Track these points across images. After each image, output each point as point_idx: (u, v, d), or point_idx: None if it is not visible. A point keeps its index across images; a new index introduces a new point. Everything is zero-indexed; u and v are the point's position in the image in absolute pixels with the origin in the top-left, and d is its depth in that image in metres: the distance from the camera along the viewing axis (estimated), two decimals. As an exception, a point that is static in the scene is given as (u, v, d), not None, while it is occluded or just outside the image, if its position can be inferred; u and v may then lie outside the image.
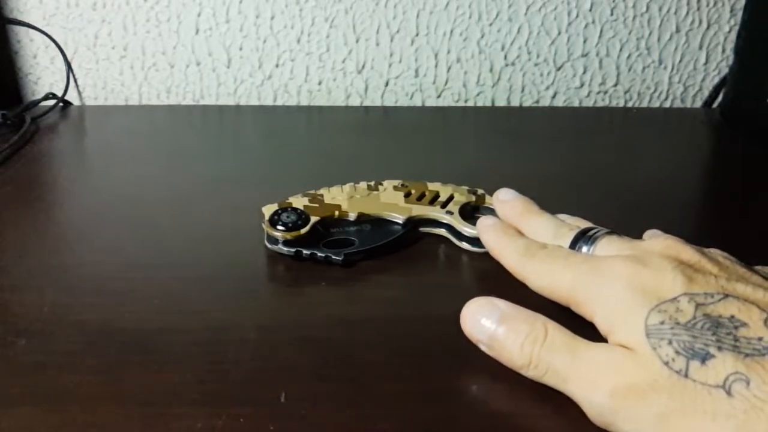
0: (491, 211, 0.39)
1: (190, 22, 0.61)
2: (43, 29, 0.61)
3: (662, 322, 0.23)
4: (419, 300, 0.33)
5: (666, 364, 0.22)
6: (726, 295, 0.23)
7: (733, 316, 0.22)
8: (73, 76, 0.63)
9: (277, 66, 0.63)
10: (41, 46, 0.62)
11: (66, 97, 0.62)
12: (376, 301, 0.32)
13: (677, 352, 0.22)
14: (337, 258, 0.34)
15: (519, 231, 0.33)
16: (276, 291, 0.34)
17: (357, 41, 0.62)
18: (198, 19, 0.61)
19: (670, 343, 0.22)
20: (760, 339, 0.22)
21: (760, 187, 0.46)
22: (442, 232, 0.38)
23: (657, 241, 0.27)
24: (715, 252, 0.27)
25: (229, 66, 0.63)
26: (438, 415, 0.25)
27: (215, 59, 0.62)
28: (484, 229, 0.34)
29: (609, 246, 0.28)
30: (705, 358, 0.21)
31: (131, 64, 0.63)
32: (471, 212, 0.39)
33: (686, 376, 0.21)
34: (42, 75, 0.63)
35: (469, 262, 0.36)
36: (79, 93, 0.64)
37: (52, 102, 0.60)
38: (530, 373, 0.26)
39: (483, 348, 0.27)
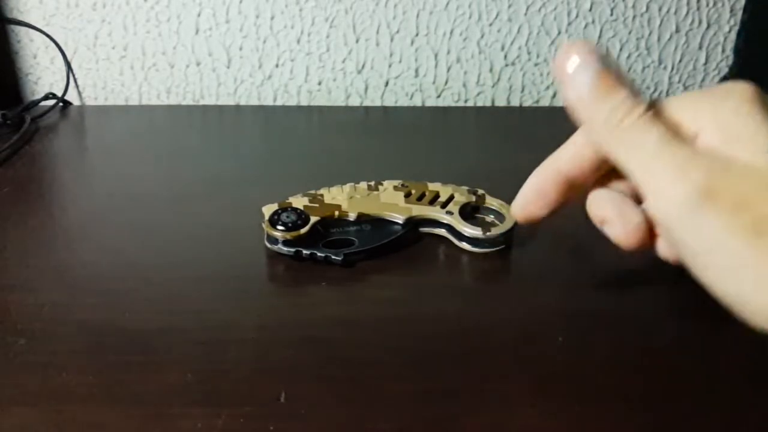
0: (491, 211, 0.39)
1: (190, 22, 0.61)
2: (43, 29, 0.61)
3: None
4: (419, 300, 0.33)
5: None
6: None
7: None
8: (73, 76, 0.63)
9: (277, 66, 0.63)
10: (41, 46, 0.62)
11: (66, 97, 0.62)
12: (376, 301, 0.32)
13: None
14: (337, 258, 0.34)
15: None
16: (276, 291, 0.34)
17: (357, 41, 0.62)
18: (198, 19, 0.61)
19: None
20: None
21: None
22: (442, 232, 0.38)
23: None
24: None
25: (229, 66, 0.63)
26: (438, 415, 0.25)
27: (215, 59, 0.62)
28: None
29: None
30: None
31: (131, 64, 0.63)
32: (471, 212, 0.39)
33: None
34: (42, 75, 0.63)
35: (469, 262, 0.36)
36: (79, 93, 0.64)
37: (51, 102, 0.60)
38: (604, 131, 0.23)
39: (566, 92, 0.24)
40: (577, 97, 0.23)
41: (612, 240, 0.25)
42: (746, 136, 0.21)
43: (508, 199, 0.39)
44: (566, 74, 0.23)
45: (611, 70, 0.23)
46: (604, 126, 0.23)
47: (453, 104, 0.64)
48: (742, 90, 0.22)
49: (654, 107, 0.22)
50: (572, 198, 0.27)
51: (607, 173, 0.26)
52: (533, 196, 0.27)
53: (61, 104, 0.61)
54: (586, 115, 0.23)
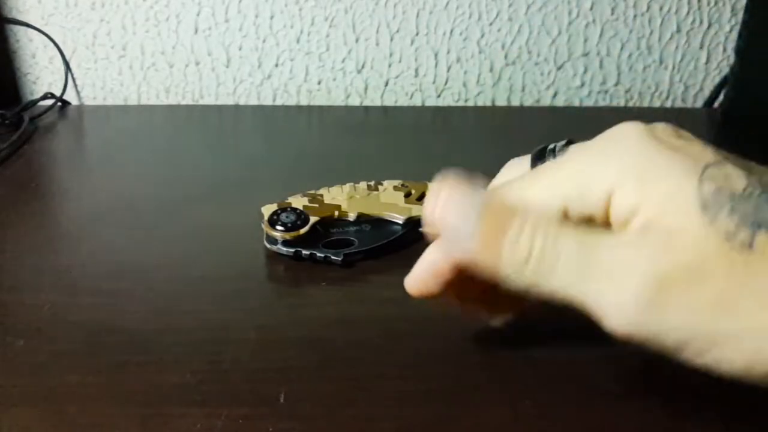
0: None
1: (190, 21, 0.61)
2: (42, 29, 0.61)
3: (718, 190, 0.19)
4: (419, 300, 0.33)
5: (727, 238, 0.18)
6: None
7: None
8: (72, 75, 0.63)
9: (276, 66, 0.63)
10: (40, 45, 0.62)
11: (64, 97, 0.61)
12: (376, 301, 0.32)
13: (739, 225, 0.18)
14: (337, 258, 0.34)
15: None
16: (276, 291, 0.34)
17: (357, 41, 0.62)
18: (197, 18, 0.61)
19: (731, 213, 0.19)
20: None
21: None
22: (443, 231, 0.38)
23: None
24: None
25: (229, 66, 0.63)
26: (438, 415, 0.25)
27: (214, 59, 0.62)
28: None
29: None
30: None
31: (130, 63, 0.63)
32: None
33: (751, 246, 0.18)
34: (40, 74, 0.63)
35: (470, 262, 0.36)
36: (78, 93, 0.64)
37: (50, 102, 0.60)
38: (529, 271, 0.20)
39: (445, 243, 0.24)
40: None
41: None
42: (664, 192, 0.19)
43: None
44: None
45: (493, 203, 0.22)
46: (512, 270, 0.20)
47: (453, 104, 0.64)
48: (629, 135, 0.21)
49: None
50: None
51: None
52: (425, 275, 0.26)
53: (59, 104, 0.61)
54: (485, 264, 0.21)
